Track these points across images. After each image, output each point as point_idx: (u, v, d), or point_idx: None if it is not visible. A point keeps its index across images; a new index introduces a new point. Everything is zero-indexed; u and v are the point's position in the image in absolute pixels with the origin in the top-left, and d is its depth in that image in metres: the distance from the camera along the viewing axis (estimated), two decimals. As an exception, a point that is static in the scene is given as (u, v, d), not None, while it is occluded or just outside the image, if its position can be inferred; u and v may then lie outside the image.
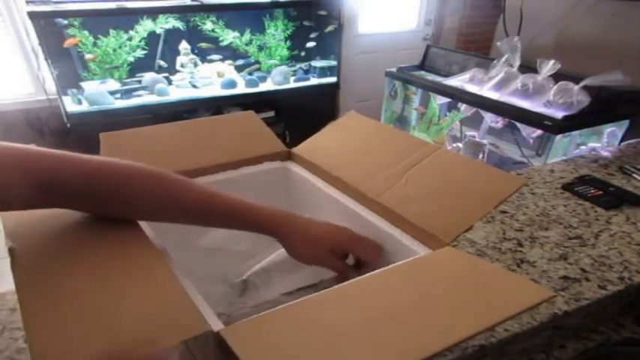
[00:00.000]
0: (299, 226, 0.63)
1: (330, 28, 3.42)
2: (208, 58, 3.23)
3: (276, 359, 0.41)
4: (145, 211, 0.58)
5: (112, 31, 2.84)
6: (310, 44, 3.50)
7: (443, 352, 0.41)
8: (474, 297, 0.51)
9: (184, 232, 0.66)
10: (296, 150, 0.90)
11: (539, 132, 1.87)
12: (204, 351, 0.57)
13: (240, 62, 3.34)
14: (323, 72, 3.54)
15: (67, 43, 2.70)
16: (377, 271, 0.54)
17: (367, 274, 0.53)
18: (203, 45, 3.09)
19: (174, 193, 0.58)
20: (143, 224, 0.59)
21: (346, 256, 0.68)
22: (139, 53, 2.98)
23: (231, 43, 3.24)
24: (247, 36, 3.28)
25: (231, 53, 3.29)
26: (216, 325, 0.44)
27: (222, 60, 3.27)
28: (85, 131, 2.74)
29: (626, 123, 1.86)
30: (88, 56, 2.81)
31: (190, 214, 0.59)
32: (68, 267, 0.49)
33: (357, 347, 0.42)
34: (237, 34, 3.24)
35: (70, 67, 2.80)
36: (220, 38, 3.20)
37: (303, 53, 3.53)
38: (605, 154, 1.43)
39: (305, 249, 0.63)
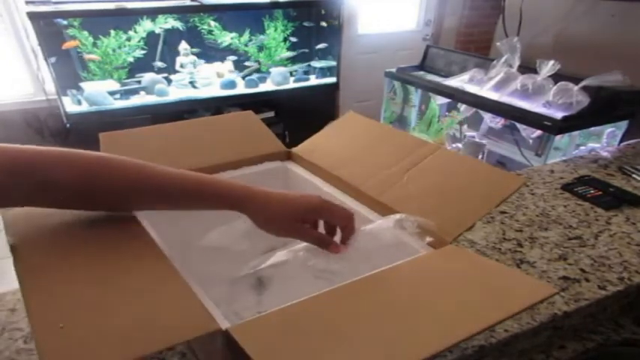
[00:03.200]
0: (264, 197, 0.60)
1: (326, 22, 3.41)
2: (227, 59, 3.25)
3: (284, 356, 0.41)
4: (118, 200, 0.58)
5: (111, 32, 2.84)
6: (310, 45, 3.50)
7: (444, 351, 0.41)
8: (477, 295, 0.51)
9: (184, 233, 0.66)
10: (296, 150, 0.90)
11: (538, 132, 1.87)
12: (209, 350, 0.57)
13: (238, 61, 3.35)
14: (323, 72, 3.55)
15: (66, 45, 2.70)
16: (381, 269, 0.54)
17: (371, 273, 0.53)
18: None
19: (140, 178, 0.58)
20: (145, 223, 0.59)
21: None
22: (139, 53, 2.98)
23: (230, 44, 3.24)
24: (246, 36, 3.28)
25: (230, 54, 3.29)
26: (224, 323, 0.44)
27: (222, 61, 3.27)
28: (84, 131, 2.74)
29: (625, 123, 1.86)
30: (90, 56, 2.81)
31: (158, 195, 0.59)
32: (71, 264, 0.49)
33: (361, 345, 0.43)
34: (235, 34, 3.24)
35: (69, 68, 2.80)
36: (219, 41, 3.20)
37: (303, 52, 3.53)
38: (604, 154, 1.43)
39: (274, 220, 0.60)
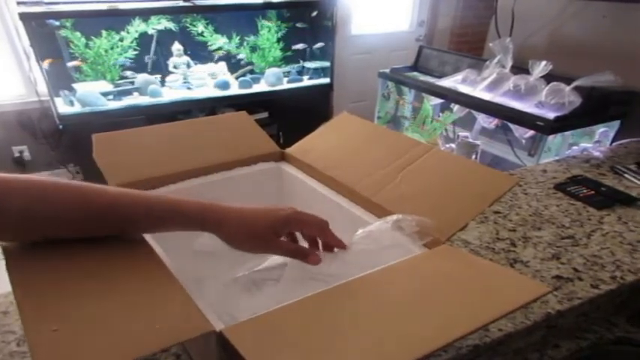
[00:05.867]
0: (231, 213, 0.58)
1: (319, 23, 3.41)
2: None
3: (278, 357, 0.41)
4: (60, 226, 0.52)
5: (104, 32, 2.83)
6: (304, 45, 3.50)
7: (438, 351, 0.41)
8: (471, 294, 0.51)
9: (179, 235, 0.66)
10: (289, 151, 0.90)
11: (531, 132, 1.88)
12: (203, 352, 0.56)
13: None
14: (317, 73, 3.55)
15: (46, 62, 2.67)
16: (376, 269, 0.54)
17: (366, 273, 0.53)
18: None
19: (89, 200, 0.52)
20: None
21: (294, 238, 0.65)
22: (131, 54, 2.97)
23: (220, 47, 3.23)
24: (238, 38, 3.27)
25: (223, 55, 3.28)
26: (218, 324, 0.44)
27: (215, 62, 3.27)
28: (77, 132, 2.73)
29: (617, 123, 1.87)
30: (73, 63, 2.80)
31: (105, 219, 0.54)
32: (65, 267, 0.49)
33: (355, 345, 0.43)
34: (230, 34, 3.23)
35: (61, 69, 2.78)
36: (209, 43, 3.20)
37: (296, 53, 3.53)
38: (596, 154, 1.44)
39: (244, 236, 0.57)
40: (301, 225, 0.61)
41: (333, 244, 0.62)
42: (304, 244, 0.64)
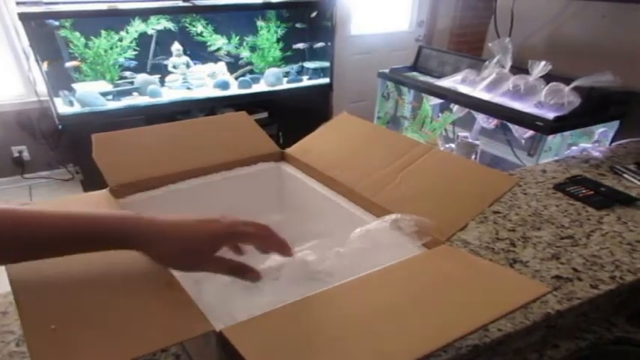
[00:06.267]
0: (163, 227, 0.51)
1: (319, 23, 3.41)
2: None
3: (278, 357, 0.41)
4: None
5: (103, 32, 2.82)
6: (304, 45, 3.50)
7: (438, 351, 0.41)
8: (471, 294, 0.51)
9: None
10: (289, 151, 0.90)
11: (531, 132, 1.88)
12: (203, 352, 0.56)
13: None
14: (316, 73, 3.55)
15: (45, 63, 2.67)
16: (375, 269, 0.54)
17: (366, 273, 0.53)
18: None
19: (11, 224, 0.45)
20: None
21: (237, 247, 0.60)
22: (130, 54, 2.97)
23: (219, 48, 3.23)
24: (238, 38, 3.27)
25: (223, 55, 3.28)
26: (218, 324, 0.44)
27: (214, 62, 3.26)
28: (76, 133, 2.73)
29: (616, 123, 1.88)
30: (71, 64, 2.80)
31: (35, 242, 0.47)
32: (64, 267, 0.49)
33: (354, 345, 0.43)
34: (230, 34, 3.23)
35: (61, 69, 2.78)
36: (209, 43, 3.19)
37: (296, 53, 3.53)
38: (596, 154, 1.44)
39: (178, 253, 0.51)
40: (241, 237, 0.57)
41: (278, 253, 0.58)
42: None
